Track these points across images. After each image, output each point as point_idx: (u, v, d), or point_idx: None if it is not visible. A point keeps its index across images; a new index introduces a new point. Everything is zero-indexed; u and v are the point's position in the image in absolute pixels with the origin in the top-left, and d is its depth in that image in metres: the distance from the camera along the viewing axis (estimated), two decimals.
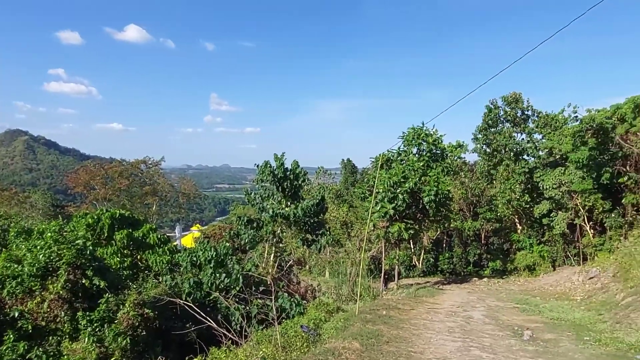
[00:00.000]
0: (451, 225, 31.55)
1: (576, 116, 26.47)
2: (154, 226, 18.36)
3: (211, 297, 13.17)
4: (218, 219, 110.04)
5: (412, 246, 31.86)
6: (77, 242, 11.64)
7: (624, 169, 24.59)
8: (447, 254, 37.08)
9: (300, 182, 17.60)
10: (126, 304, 10.65)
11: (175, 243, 25.09)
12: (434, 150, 23.04)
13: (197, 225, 50.70)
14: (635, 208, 25.02)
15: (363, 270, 18.61)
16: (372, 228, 21.75)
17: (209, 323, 11.24)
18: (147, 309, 11.05)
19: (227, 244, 14.74)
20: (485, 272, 34.01)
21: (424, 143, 22.79)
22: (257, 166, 17.92)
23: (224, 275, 13.26)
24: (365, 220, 17.42)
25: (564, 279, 21.28)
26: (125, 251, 16.00)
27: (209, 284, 13.14)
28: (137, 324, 10.48)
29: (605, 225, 26.37)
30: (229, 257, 14.16)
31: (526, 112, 33.81)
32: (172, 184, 49.94)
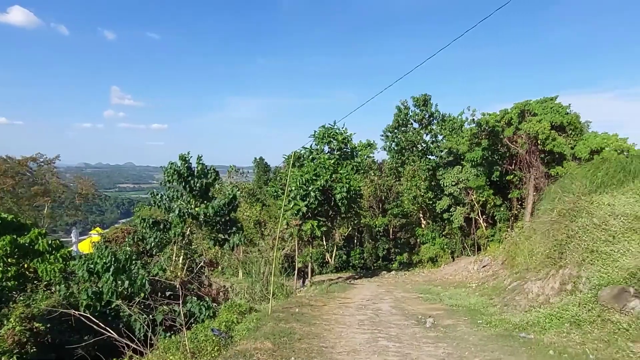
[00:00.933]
0: (362, 221, 32.70)
1: (474, 119, 28.99)
2: (44, 231, 16.59)
3: (112, 306, 12.23)
4: (121, 221, 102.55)
5: (324, 243, 32.48)
6: None
7: (511, 168, 27.40)
8: (358, 250, 38.39)
9: (209, 180, 17.04)
10: (11, 319, 9.52)
11: (70, 249, 22.90)
12: (344, 149, 23.71)
13: (97, 228, 46.78)
14: (519, 202, 28.06)
15: (276, 269, 18.55)
16: (285, 226, 21.80)
17: (109, 334, 10.42)
18: (37, 323, 9.99)
19: (129, 248, 13.78)
20: (394, 265, 35.83)
21: (334, 141, 23.35)
22: (163, 168, 17.16)
23: (126, 282, 12.38)
24: (278, 218, 17.41)
25: (461, 268, 23.06)
26: (9, 260, 14.28)
27: (110, 293, 12.18)
28: (25, 339, 9.42)
29: (495, 218, 29.25)
30: (133, 262, 13.26)
31: (433, 115, 36.31)
32: (67, 183, 45.57)
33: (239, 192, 22.59)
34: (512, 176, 27.16)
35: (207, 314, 12.35)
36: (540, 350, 7.44)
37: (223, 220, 17.59)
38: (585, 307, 8.49)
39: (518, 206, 28.18)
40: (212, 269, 30.33)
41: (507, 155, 27.63)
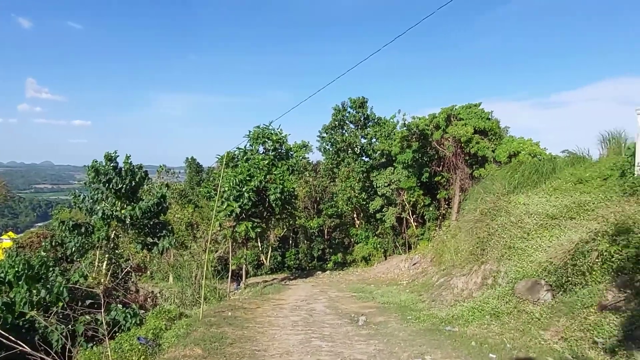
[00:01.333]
0: (296, 222, 32.72)
1: (404, 122, 30.05)
2: None
3: (27, 317, 11.18)
4: (38, 224, 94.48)
5: (259, 244, 32.12)
6: None
7: (439, 169, 28.74)
8: (293, 251, 38.40)
9: (137, 180, 16.15)
10: None
11: None
12: (279, 149, 23.55)
13: (10, 233, 42.88)
14: (447, 202, 29.52)
15: (209, 272, 18.01)
16: (219, 228, 21.26)
17: (22, 348, 9.51)
18: None
19: (44, 254, 12.69)
20: (328, 265, 36.23)
21: (269, 142, 23.12)
22: (86, 167, 16.05)
23: (43, 291, 11.36)
24: (211, 220, 16.90)
25: (393, 266, 23.84)
26: None
27: (23, 303, 11.11)
28: None
29: (425, 217, 30.55)
30: (50, 269, 12.22)
31: (369, 117, 37.21)
32: None
33: (169, 192, 21.66)
34: (440, 177, 28.50)
35: (133, 321, 11.65)
36: (464, 342, 7.84)
37: (152, 222, 16.76)
38: (503, 299, 9.08)
39: (446, 206, 29.62)
40: (140, 274, 28.86)
41: (436, 157, 28.94)
